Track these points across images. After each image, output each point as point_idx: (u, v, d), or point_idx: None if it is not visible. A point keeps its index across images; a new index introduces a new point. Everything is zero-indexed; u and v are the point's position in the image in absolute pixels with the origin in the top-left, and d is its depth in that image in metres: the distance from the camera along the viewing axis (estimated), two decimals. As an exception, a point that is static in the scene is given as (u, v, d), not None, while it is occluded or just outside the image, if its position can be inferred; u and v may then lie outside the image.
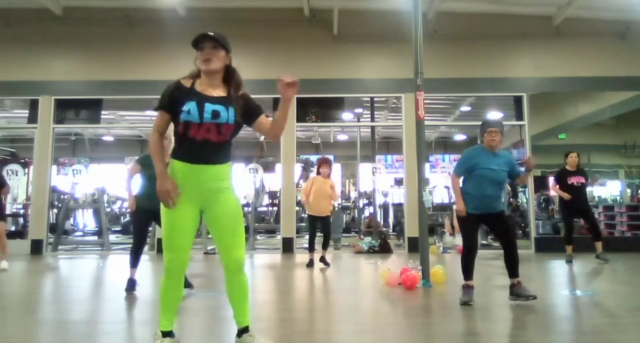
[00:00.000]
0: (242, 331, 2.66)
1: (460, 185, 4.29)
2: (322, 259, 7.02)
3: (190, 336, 3.37)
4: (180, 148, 2.57)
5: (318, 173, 7.11)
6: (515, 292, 4.07)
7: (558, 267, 6.87)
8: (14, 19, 9.41)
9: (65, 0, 9.30)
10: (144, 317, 3.96)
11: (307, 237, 8.75)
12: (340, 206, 12.42)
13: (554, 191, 7.32)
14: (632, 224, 9.60)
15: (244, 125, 2.66)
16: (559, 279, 6.04)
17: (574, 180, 7.03)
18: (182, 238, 2.55)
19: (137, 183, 4.91)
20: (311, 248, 7.02)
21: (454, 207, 12.26)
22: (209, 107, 2.51)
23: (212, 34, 2.57)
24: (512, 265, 4.12)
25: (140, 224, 4.84)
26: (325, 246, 7.11)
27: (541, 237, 9.31)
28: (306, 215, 7.46)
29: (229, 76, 2.65)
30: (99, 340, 3.25)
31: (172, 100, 2.55)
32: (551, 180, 11.50)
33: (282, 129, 2.67)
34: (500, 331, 3.48)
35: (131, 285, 4.75)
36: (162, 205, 2.56)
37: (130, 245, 4.94)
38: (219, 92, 2.61)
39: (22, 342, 3.16)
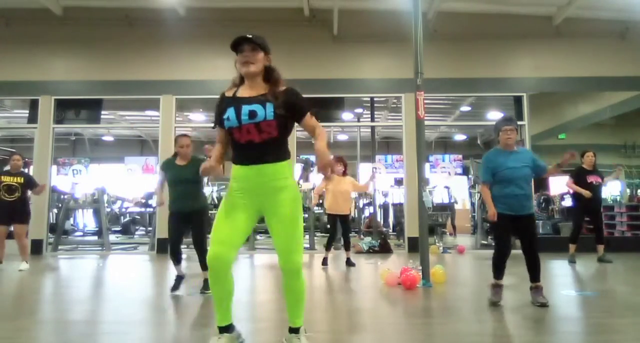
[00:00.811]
0: (292, 330, 2.66)
1: (489, 192, 4.21)
2: (348, 260, 6.98)
3: (190, 336, 3.37)
4: (234, 153, 2.62)
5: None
6: (532, 295, 4.10)
7: (558, 267, 6.87)
8: (14, 19, 9.42)
9: (65, 0, 9.30)
10: (144, 317, 3.96)
11: (307, 237, 8.79)
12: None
13: (569, 187, 7.22)
14: (632, 224, 9.60)
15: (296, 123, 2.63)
16: (559, 279, 6.04)
17: (592, 179, 6.99)
18: (226, 233, 2.53)
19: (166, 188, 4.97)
20: (329, 247, 7.03)
21: (455, 207, 12.11)
22: (245, 109, 2.51)
23: (250, 36, 2.55)
24: (532, 271, 4.11)
25: (172, 224, 4.83)
26: (347, 247, 7.11)
27: (541, 237, 9.29)
28: (326, 215, 7.47)
29: (268, 75, 2.63)
30: (99, 340, 3.25)
31: (220, 113, 2.60)
32: (551, 179, 11.52)
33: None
34: (500, 331, 3.48)
35: (178, 282, 4.82)
36: (222, 202, 2.61)
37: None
38: (260, 91, 2.59)
39: (22, 342, 3.16)
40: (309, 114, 2.61)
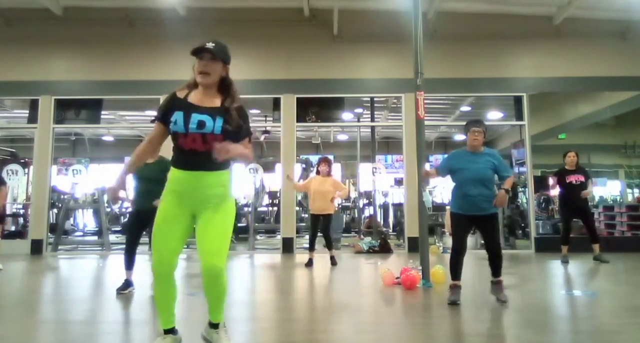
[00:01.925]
0: (212, 325, 2.72)
1: (436, 178, 4.63)
2: (332, 259, 7.05)
3: (189, 336, 3.37)
4: (175, 156, 2.63)
5: (317, 172, 7.14)
6: (492, 290, 4.20)
7: (558, 267, 6.87)
8: (14, 19, 9.41)
9: (65, 0, 9.29)
10: (144, 317, 3.96)
11: (307, 237, 8.76)
12: (340, 205, 12.43)
13: (552, 189, 7.34)
14: (632, 224, 9.60)
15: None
16: (559, 279, 6.04)
17: (572, 179, 7.04)
18: (168, 241, 2.58)
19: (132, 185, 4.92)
20: (311, 248, 7.01)
21: (447, 207, 12.19)
22: (195, 118, 2.52)
23: (211, 46, 2.56)
24: (494, 267, 4.20)
25: (132, 225, 4.86)
26: (329, 246, 7.12)
27: (541, 237, 9.30)
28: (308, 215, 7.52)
29: (224, 87, 2.64)
30: (99, 340, 3.25)
31: (166, 111, 2.59)
32: (551, 179, 11.53)
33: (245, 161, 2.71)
34: (500, 331, 3.49)
35: (125, 285, 4.80)
36: (158, 208, 2.62)
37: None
38: (213, 102, 2.60)
39: (22, 342, 3.16)
40: (247, 140, 2.65)
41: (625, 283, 5.75)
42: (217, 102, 2.60)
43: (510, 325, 3.62)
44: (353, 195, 14.48)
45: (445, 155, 4.66)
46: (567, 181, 7.04)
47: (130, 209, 4.74)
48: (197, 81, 2.60)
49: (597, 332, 3.36)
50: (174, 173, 2.62)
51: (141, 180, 4.72)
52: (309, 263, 6.91)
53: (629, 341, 3.14)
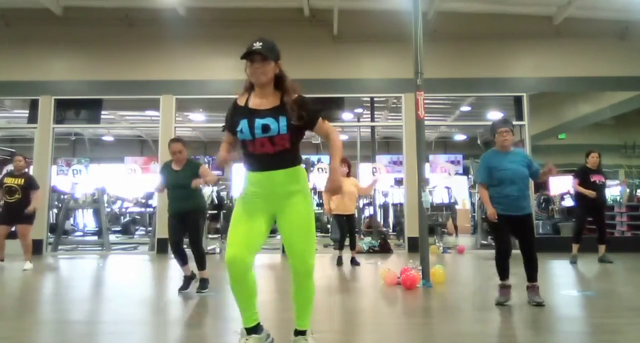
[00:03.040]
0: (298, 333, 2.67)
1: (487, 192, 4.25)
2: (353, 260, 7.10)
3: (189, 337, 3.37)
4: (246, 160, 2.65)
5: None
6: (528, 294, 4.12)
7: (558, 267, 6.87)
8: (14, 19, 9.42)
9: (65, 0, 9.30)
10: (144, 317, 3.96)
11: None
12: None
13: (575, 189, 7.24)
14: (632, 224, 9.60)
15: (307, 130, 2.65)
16: (559, 279, 6.04)
17: (596, 178, 7.02)
18: (242, 235, 2.55)
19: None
20: (341, 246, 7.17)
21: (456, 207, 12.04)
22: (258, 123, 2.52)
23: (260, 47, 2.53)
24: (529, 271, 4.13)
25: (171, 226, 4.86)
26: (353, 246, 7.22)
27: (541, 237, 9.30)
28: (332, 217, 7.59)
29: (279, 83, 2.63)
30: (99, 340, 3.26)
31: (231, 121, 2.63)
32: (551, 179, 11.51)
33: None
34: (500, 331, 3.49)
35: (185, 283, 4.82)
36: (234, 208, 2.66)
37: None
38: (272, 102, 2.59)
39: (22, 342, 3.16)
40: (320, 119, 2.63)
41: (626, 283, 5.76)
42: (276, 101, 2.60)
43: (510, 325, 3.62)
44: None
45: (478, 164, 4.46)
46: (592, 180, 7.00)
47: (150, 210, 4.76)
48: (252, 81, 2.61)
49: (597, 332, 3.36)
50: (248, 177, 2.64)
51: (173, 187, 4.78)
52: (340, 262, 7.05)
53: (629, 341, 3.14)
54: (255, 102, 2.62)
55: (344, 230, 7.17)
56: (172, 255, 4.92)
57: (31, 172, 8.47)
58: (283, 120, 2.52)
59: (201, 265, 4.81)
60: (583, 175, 7.11)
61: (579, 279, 6.01)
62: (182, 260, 4.82)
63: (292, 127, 2.53)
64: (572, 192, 7.53)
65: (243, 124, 2.54)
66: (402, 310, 4.27)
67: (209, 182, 4.91)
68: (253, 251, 2.58)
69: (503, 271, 4.16)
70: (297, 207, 2.58)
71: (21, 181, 6.91)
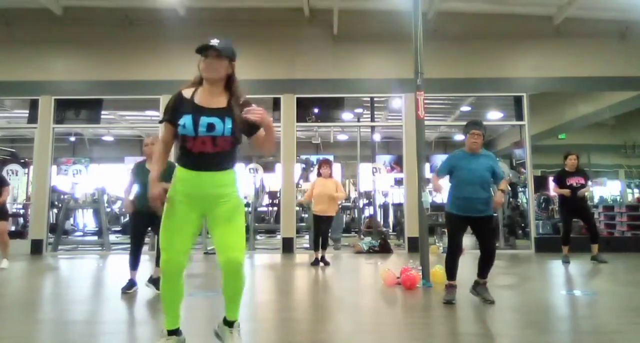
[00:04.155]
0: (227, 323, 2.68)
1: (440, 183, 4.39)
2: (322, 259, 7.08)
3: (189, 336, 3.37)
4: (181, 157, 2.62)
5: (319, 174, 7.19)
6: (478, 290, 4.21)
7: (558, 267, 6.87)
8: (14, 19, 9.41)
9: (65, 0, 9.30)
10: (144, 317, 3.96)
11: (307, 237, 8.76)
12: (340, 205, 12.46)
13: (554, 192, 7.38)
14: (632, 224, 9.60)
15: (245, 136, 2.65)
16: (559, 279, 6.04)
17: (573, 181, 7.08)
18: (177, 240, 2.56)
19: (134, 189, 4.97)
20: (316, 247, 7.12)
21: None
22: (204, 121, 2.51)
23: (216, 44, 2.56)
24: (484, 268, 4.22)
25: (136, 225, 4.90)
26: (324, 246, 7.18)
27: (541, 237, 9.31)
28: (310, 215, 7.56)
29: (230, 85, 2.64)
30: (99, 340, 3.25)
31: (174, 112, 2.60)
32: (551, 179, 11.52)
33: (269, 148, 2.68)
34: (500, 331, 3.48)
35: (130, 284, 4.78)
36: (164, 208, 2.60)
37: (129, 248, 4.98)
38: (219, 102, 2.60)
39: (22, 342, 3.16)
40: (262, 129, 2.63)
41: (625, 283, 5.75)
42: (223, 102, 2.60)
43: (510, 325, 3.62)
44: (353, 195, 14.48)
45: (444, 157, 4.60)
46: (568, 183, 7.07)
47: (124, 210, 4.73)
48: (204, 77, 2.61)
49: (597, 332, 3.36)
50: (181, 174, 2.60)
51: (142, 185, 4.74)
52: (315, 263, 7.00)
53: (629, 341, 3.14)
54: (202, 99, 2.60)
55: (320, 230, 7.15)
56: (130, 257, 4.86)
57: (31, 172, 8.48)
58: (229, 122, 2.53)
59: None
60: (560, 178, 7.21)
61: (579, 279, 6.01)
62: (136, 264, 4.83)
63: (235, 130, 2.54)
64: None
65: (187, 119, 2.52)
66: (402, 310, 4.27)
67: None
68: (186, 254, 2.60)
69: (451, 271, 4.25)
70: (227, 205, 2.57)
71: None
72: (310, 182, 7.51)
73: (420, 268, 5.17)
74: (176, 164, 2.66)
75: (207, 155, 2.53)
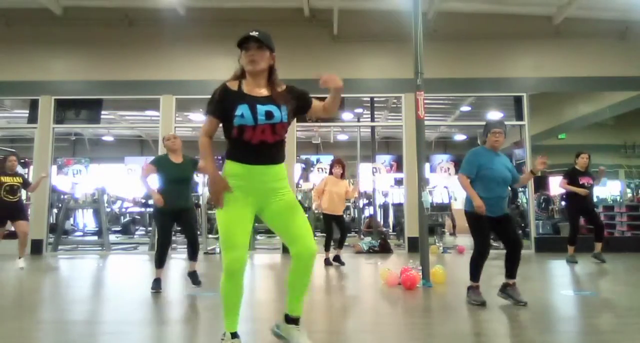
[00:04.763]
0: (291, 320, 2.62)
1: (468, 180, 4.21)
2: (337, 258, 7.11)
3: (190, 336, 3.37)
4: (235, 150, 2.55)
5: (331, 173, 7.25)
6: (509, 292, 4.10)
7: (558, 267, 6.87)
8: (14, 19, 9.41)
9: (65, 0, 9.29)
10: (144, 317, 3.96)
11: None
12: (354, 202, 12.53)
13: (563, 188, 7.22)
14: (632, 224, 9.60)
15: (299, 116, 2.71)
16: (559, 279, 6.04)
17: (584, 181, 7.02)
18: (241, 236, 2.50)
19: (155, 184, 4.94)
20: (327, 247, 7.14)
21: (453, 207, 12.05)
22: (261, 109, 2.50)
23: (256, 34, 2.54)
24: (511, 268, 4.12)
25: (164, 224, 4.85)
26: (341, 245, 7.25)
27: (541, 237, 9.31)
28: (310, 215, 7.57)
29: (270, 75, 2.65)
30: (99, 340, 3.25)
31: (222, 105, 2.53)
32: (551, 179, 11.52)
33: (336, 106, 2.75)
34: (500, 331, 3.49)
35: (157, 284, 4.80)
36: (220, 206, 2.55)
37: (155, 246, 5.04)
38: (265, 92, 2.60)
39: (22, 342, 3.16)
40: (313, 99, 2.71)
41: (625, 283, 5.76)
42: (267, 92, 2.61)
43: (510, 325, 3.62)
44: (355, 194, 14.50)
45: (466, 156, 4.33)
46: (580, 183, 6.99)
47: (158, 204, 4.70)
48: (247, 70, 2.58)
49: (597, 332, 3.36)
50: (234, 169, 2.54)
51: (175, 181, 4.74)
52: (327, 263, 7.03)
53: (629, 341, 3.14)
54: (249, 89, 2.59)
55: (331, 230, 7.18)
56: (155, 255, 4.87)
57: (31, 173, 8.50)
58: (284, 109, 2.55)
59: (195, 256, 4.98)
60: (572, 177, 7.10)
61: (579, 279, 6.01)
62: (162, 263, 4.84)
63: (289, 116, 2.58)
64: (564, 193, 7.53)
65: (244, 109, 2.48)
66: (402, 310, 4.27)
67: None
68: (247, 250, 2.57)
69: (476, 273, 4.17)
70: (285, 197, 2.59)
71: (20, 180, 7.04)
72: (322, 179, 7.54)
73: (420, 268, 5.17)
74: (226, 159, 2.60)
75: (267, 146, 2.52)
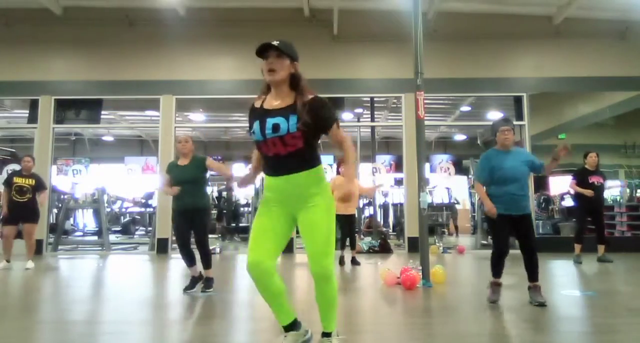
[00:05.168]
0: (324, 335, 2.66)
1: (483, 188, 4.29)
2: (354, 259, 7.14)
3: (190, 336, 3.37)
4: (263, 164, 2.65)
5: (338, 172, 7.27)
6: (530, 293, 4.12)
7: (558, 267, 6.87)
8: (14, 19, 9.42)
9: (65, 0, 9.30)
10: (144, 317, 3.96)
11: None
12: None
13: (572, 189, 7.26)
14: (632, 224, 9.60)
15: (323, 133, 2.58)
16: (559, 279, 6.04)
17: (595, 180, 7.04)
18: (261, 241, 2.53)
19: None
20: (342, 246, 7.18)
21: (457, 207, 12.04)
22: (269, 122, 2.48)
23: (275, 43, 2.52)
24: (530, 271, 4.13)
25: (177, 226, 4.87)
26: (353, 246, 7.25)
27: (541, 237, 9.30)
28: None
29: (295, 84, 2.57)
30: (99, 340, 3.25)
31: (250, 124, 2.62)
32: (551, 179, 11.52)
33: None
34: (500, 331, 3.49)
35: (191, 283, 4.80)
36: (258, 208, 2.65)
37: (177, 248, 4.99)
38: (286, 102, 2.54)
39: (22, 342, 3.16)
40: (334, 125, 2.55)
41: (625, 283, 5.75)
42: (290, 101, 2.54)
43: (510, 325, 3.62)
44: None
45: (478, 162, 4.40)
46: (590, 182, 7.02)
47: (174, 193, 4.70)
48: (267, 80, 2.57)
49: (597, 332, 3.36)
50: (266, 181, 2.63)
51: (180, 183, 4.75)
52: (342, 262, 7.08)
53: (629, 341, 3.14)
54: (270, 103, 2.58)
55: (344, 229, 7.20)
56: (180, 256, 4.89)
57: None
58: (293, 119, 2.45)
59: (207, 263, 4.81)
60: (581, 176, 7.13)
61: (579, 279, 6.01)
62: (190, 260, 4.80)
63: (303, 127, 2.46)
64: (572, 192, 7.53)
65: (255, 125, 2.53)
66: (402, 310, 4.26)
67: (224, 174, 5.02)
68: (272, 255, 2.56)
69: (498, 270, 4.20)
70: (314, 209, 2.53)
71: (32, 181, 7.03)
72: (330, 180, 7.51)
73: (420, 268, 5.17)
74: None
75: (281, 158, 2.50)
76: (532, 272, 4.11)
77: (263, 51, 2.54)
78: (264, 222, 2.58)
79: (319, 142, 2.67)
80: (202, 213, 4.80)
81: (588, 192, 6.94)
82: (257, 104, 2.64)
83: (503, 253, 4.18)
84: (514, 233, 4.24)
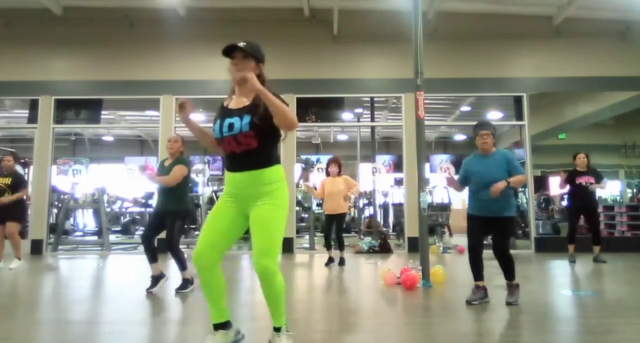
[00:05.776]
0: (274, 329, 2.67)
1: (459, 186, 4.49)
2: (341, 260, 7.04)
3: (190, 336, 3.37)
4: (224, 160, 2.76)
5: (327, 173, 7.20)
6: (507, 292, 4.18)
7: (558, 267, 6.87)
8: (14, 19, 9.42)
9: (65, 0, 9.30)
10: (144, 317, 3.96)
11: (307, 237, 8.70)
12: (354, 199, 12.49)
13: (560, 188, 7.36)
14: (632, 224, 9.60)
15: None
16: (559, 279, 6.04)
17: (582, 180, 7.08)
18: (209, 234, 2.61)
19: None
20: (328, 246, 7.08)
21: (452, 207, 12.05)
22: (226, 122, 2.58)
23: (241, 44, 2.57)
24: (504, 269, 4.20)
25: (149, 221, 5.01)
26: (341, 247, 7.08)
27: (541, 237, 9.31)
28: (310, 215, 7.53)
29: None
30: (99, 340, 3.25)
31: (214, 122, 2.68)
32: (551, 179, 11.51)
33: (281, 119, 2.47)
34: (500, 331, 3.49)
35: (153, 282, 4.84)
36: (217, 202, 2.73)
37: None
38: (247, 102, 2.60)
39: (22, 342, 3.16)
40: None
41: (625, 283, 5.75)
42: (249, 100, 2.60)
43: (510, 325, 3.62)
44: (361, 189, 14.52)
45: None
46: (577, 182, 7.08)
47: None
48: (232, 79, 2.64)
49: (597, 332, 3.36)
50: (226, 176, 2.71)
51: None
52: (329, 262, 7.00)
53: (629, 341, 3.14)
54: (234, 103, 2.66)
55: (329, 230, 7.12)
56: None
57: (31, 172, 8.49)
58: (247, 118, 2.52)
59: (180, 266, 4.82)
60: (570, 177, 7.20)
61: (579, 279, 6.01)
62: (151, 257, 4.82)
63: (257, 126, 2.51)
64: (566, 192, 7.57)
65: (216, 124, 2.63)
66: (402, 310, 4.27)
67: (161, 182, 4.78)
68: (219, 250, 2.62)
69: (477, 272, 4.22)
70: (264, 207, 2.55)
71: (8, 181, 6.95)
72: (320, 182, 7.47)
73: (420, 268, 5.17)
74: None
75: (236, 155, 2.58)
76: (506, 272, 4.18)
77: (229, 52, 2.60)
78: (216, 216, 2.66)
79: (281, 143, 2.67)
80: (175, 216, 4.74)
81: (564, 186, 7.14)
82: (225, 103, 2.71)
83: (474, 252, 4.23)
84: (491, 235, 4.29)
